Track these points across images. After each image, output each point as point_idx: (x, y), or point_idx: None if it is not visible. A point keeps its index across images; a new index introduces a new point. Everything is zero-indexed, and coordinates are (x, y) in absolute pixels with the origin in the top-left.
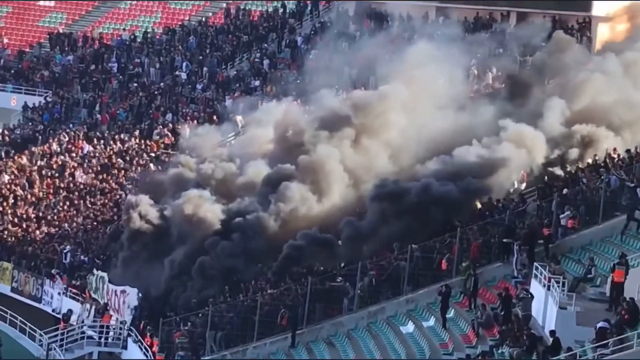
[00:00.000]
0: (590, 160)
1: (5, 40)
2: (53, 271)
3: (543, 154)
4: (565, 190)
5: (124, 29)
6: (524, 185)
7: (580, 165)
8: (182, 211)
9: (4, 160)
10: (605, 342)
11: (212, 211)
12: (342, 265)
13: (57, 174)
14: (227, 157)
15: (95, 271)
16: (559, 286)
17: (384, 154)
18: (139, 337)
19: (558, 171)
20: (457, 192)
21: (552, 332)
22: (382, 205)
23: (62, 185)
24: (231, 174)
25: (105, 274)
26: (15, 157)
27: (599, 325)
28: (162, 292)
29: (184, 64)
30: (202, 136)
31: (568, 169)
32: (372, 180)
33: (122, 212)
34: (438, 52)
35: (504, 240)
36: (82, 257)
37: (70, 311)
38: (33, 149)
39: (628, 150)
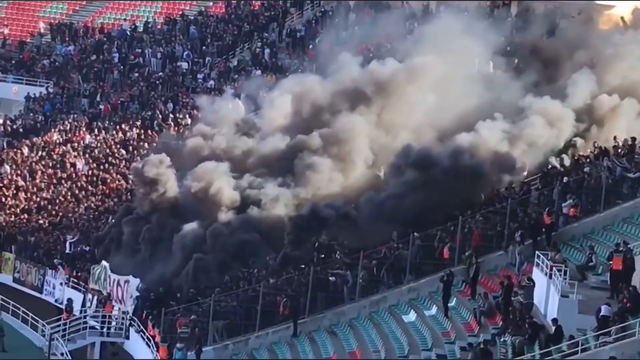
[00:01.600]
0: (592, 147)
1: (6, 31)
2: (55, 261)
3: (570, 131)
4: (565, 179)
5: (124, 19)
6: (525, 174)
7: (581, 153)
8: (193, 186)
9: (6, 150)
10: (607, 330)
11: (225, 186)
12: (342, 254)
13: (58, 165)
14: (245, 130)
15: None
16: (560, 274)
17: (406, 133)
18: (142, 327)
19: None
20: (488, 166)
21: (555, 321)
22: (406, 175)
23: (63, 175)
24: (248, 149)
25: (107, 264)
26: (17, 148)
27: (602, 308)
28: (170, 275)
29: (185, 54)
30: (218, 111)
31: (568, 158)
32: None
33: (136, 181)
34: (463, 26)
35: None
36: (83, 247)
37: (70, 300)
38: (34, 139)
39: (633, 138)
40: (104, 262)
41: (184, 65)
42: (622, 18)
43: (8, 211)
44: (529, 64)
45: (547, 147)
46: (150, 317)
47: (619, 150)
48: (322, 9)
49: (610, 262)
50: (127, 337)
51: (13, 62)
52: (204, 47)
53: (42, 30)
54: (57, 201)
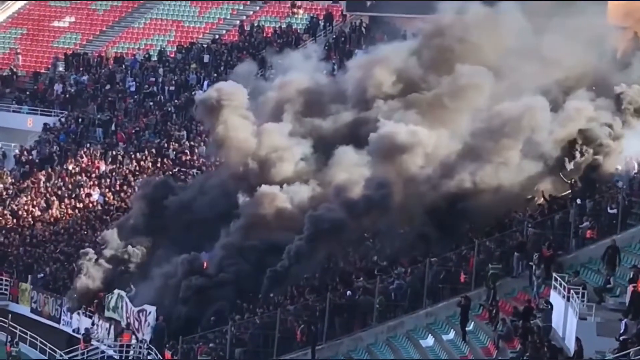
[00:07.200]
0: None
1: (20, 62)
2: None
3: None
4: (579, 200)
5: (138, 48)
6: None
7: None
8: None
9: (22, 181)
10: (626, 351)
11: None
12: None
13: (73, 194)
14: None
15: (115, 290)
16: (578, 297)
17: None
18: (159, 355)
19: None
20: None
21: (578, 340)
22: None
23: (79, 205)
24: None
25: (124, 293)
26: (33, 178)
27: (623, 324)
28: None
29: (206, 83)
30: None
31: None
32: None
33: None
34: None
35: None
36: None
37: (87, 330)
38: (50, 169)
39: None
40: (118, 291)
41: (200, 93)
42: (636, 33)
43: (24, 241)
44: None
45: None
46: (167, 345)
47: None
48: (335, 35)
49: (635, 285)
50: None
51: (27, 93)
52: (215, 75)
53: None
54: (72, 231)
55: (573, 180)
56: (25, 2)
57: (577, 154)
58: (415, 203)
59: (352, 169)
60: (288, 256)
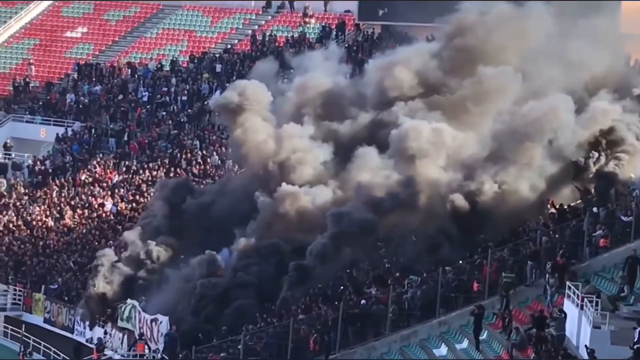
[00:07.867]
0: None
1: (33, 73)
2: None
3: None
4: (594, 209)
5: (150, 58)
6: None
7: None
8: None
9: (35, 191)
10: None
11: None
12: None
13: (86, 204)
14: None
15: (128, 300)
16: (592, 305)
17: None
18: None
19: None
20: None
21: (591, 351)
22: None
23: (92, 215)
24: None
25: (137, 303)
26: (46, 188)
27: (637, 332)
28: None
29: (218, 92)
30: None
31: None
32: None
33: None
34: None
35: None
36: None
37: (100, 340)
38: (63, 179)
39: None
40: (131, 301)
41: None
42: None
43: (38, 251)
44: None
45: None
46: (180, 355)
47: None
48: (347, 44)
49: None
50: None
51: (40, 103)
52: (228, 84)
53: (32, 72)
54: (85, 240)
55: (584, 188)
56: (42, 6)
57: (602, 157)
58: (437, 203)
59: (374, 169)
60: (311, 256)
